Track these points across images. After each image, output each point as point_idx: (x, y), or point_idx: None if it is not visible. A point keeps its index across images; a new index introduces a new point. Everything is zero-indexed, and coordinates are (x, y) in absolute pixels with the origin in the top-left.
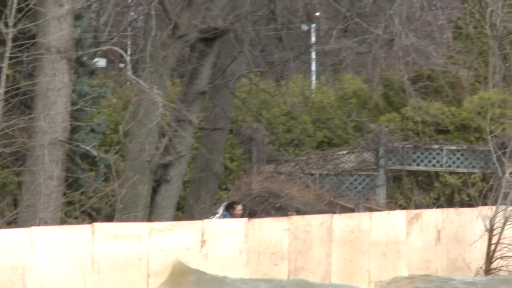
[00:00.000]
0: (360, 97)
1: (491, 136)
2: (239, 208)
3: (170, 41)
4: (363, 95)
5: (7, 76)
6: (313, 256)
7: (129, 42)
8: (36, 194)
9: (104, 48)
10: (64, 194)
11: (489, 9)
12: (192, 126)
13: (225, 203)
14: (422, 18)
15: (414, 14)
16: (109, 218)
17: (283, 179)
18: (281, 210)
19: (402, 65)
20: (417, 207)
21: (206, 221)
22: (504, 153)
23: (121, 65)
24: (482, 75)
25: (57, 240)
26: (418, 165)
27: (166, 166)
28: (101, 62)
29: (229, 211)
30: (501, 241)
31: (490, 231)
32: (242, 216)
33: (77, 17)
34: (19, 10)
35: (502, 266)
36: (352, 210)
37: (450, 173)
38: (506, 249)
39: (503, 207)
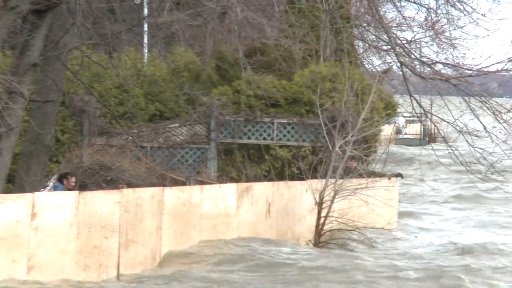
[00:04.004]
0: (193, 70)
1: (321, 110)
2: (72, 179)
3: (1, 12)
4: (196, 68)
5: None
6: (144, 229)
7: None
8: None
9: None
10: None
11: None
12: (23, 98)
13: (56, 176)
14: None
15: None
16: None
17: (115, 152)
18: (112, 183)
19: (235, 38)
20: (248, 180)
21: (36, 194)
22: (334, 127)
23: None
24: (313, 49)
25: None
26: (249, 138)
27: None
28: None
29: (62, 182)
30: (330, 214)
31: (320, 204)
32: (74, 188)
33: None
34: None
35: (331, 240)
36: (183, 183)
37: (281, 146)
38: (335, 222)
39: (332, 180)
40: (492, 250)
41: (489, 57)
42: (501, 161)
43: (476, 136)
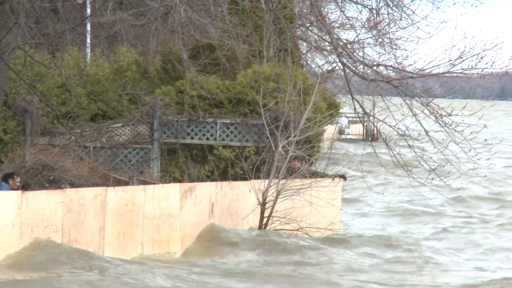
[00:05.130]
0: (136, 70)
1: (265, 110)
2: (18, 179)
3: None
4: (139, 68)
5: None
6: (87, 229)
7: None
8: None
9: None
10: None
11: None
12: None
13: None
14: None
15: None
16: None
17: (57, 152)
18: (55, 183)
19: (179, 38)
20: (191, 180)
21: None
22: (277, 127)
23: None
24: (257, 49)
25: None
26: (192, 138)
27: None
28: None
29: (8, 182)
30: (273, 214)
31: (263, 204)
32: (19, 188)
33: None
34: None
35: (274, 235)
36: (126, 183)
37: (224, 146)
38: (278, 222)
39: (275, 180)
40: None
41: (431, 60)
42: (443, 166)
43: (417, 140)
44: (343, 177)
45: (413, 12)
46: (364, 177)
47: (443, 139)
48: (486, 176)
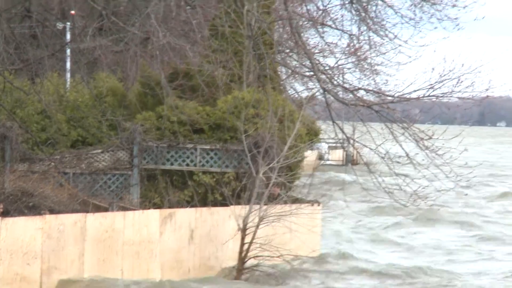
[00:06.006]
0: (116, 96)
1: (245, 136)
2: (1, 206)
3: None
4: (119, 94)
5: None
6: (67, 255)
7: None
8: None
9: None
10: None
11: (245, 8)
12: None
13: None
14: (178, 17)
15: (170, 13)
16: None
17: (37, 178)
18: (35, 209)
19: (158, 63)
20: (171, 206)
21: None
22: (257, 153)
23: None
24: (237, 74)
25: None
26: (172, 164)
27: None
28: None
29: None
30: (254, 240)
31: (243, 230)
32: (1, 214)
33: None
34: None
35: (255, 266)
36: (106, 210)
37: (204, 172)
38: (259, 248)
39: (256, 206)
40: None
41: (411, 84)
42: (423, 188)
43: (398, 162)
44: (317, 202)
45: (395, 36)
46: (347, 201)
47: (423, 159)
48: (467, 194)
